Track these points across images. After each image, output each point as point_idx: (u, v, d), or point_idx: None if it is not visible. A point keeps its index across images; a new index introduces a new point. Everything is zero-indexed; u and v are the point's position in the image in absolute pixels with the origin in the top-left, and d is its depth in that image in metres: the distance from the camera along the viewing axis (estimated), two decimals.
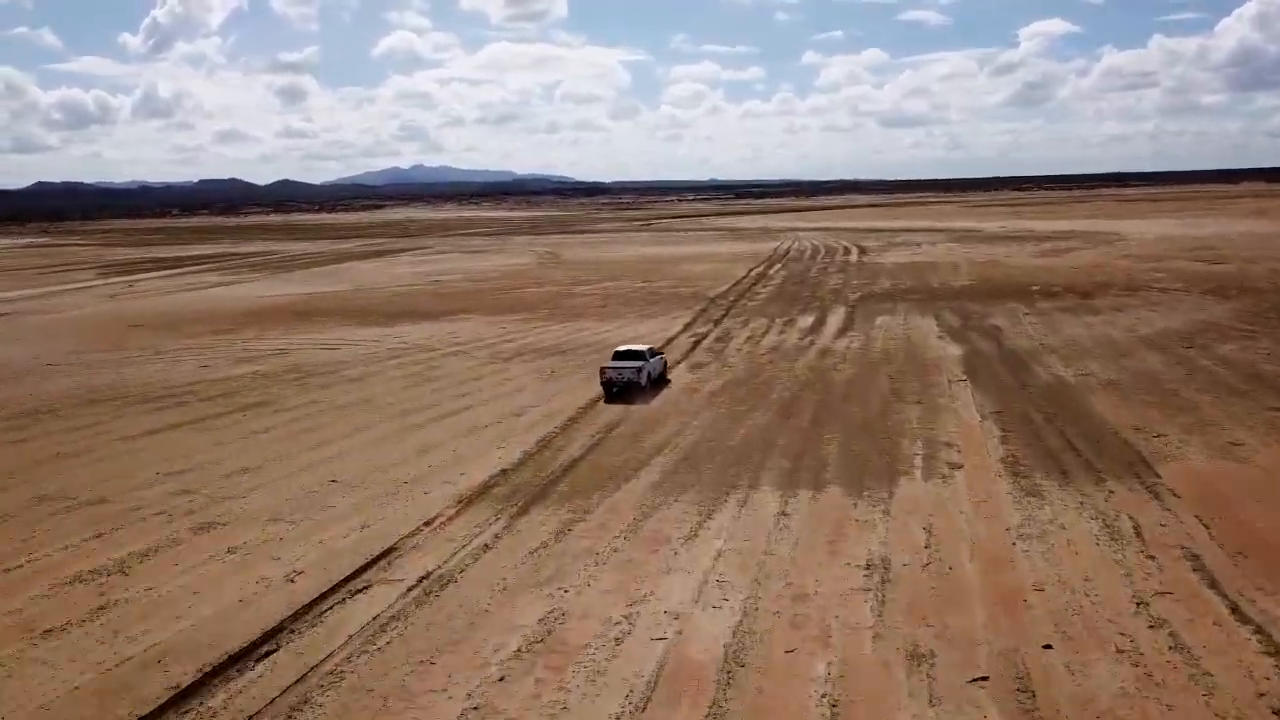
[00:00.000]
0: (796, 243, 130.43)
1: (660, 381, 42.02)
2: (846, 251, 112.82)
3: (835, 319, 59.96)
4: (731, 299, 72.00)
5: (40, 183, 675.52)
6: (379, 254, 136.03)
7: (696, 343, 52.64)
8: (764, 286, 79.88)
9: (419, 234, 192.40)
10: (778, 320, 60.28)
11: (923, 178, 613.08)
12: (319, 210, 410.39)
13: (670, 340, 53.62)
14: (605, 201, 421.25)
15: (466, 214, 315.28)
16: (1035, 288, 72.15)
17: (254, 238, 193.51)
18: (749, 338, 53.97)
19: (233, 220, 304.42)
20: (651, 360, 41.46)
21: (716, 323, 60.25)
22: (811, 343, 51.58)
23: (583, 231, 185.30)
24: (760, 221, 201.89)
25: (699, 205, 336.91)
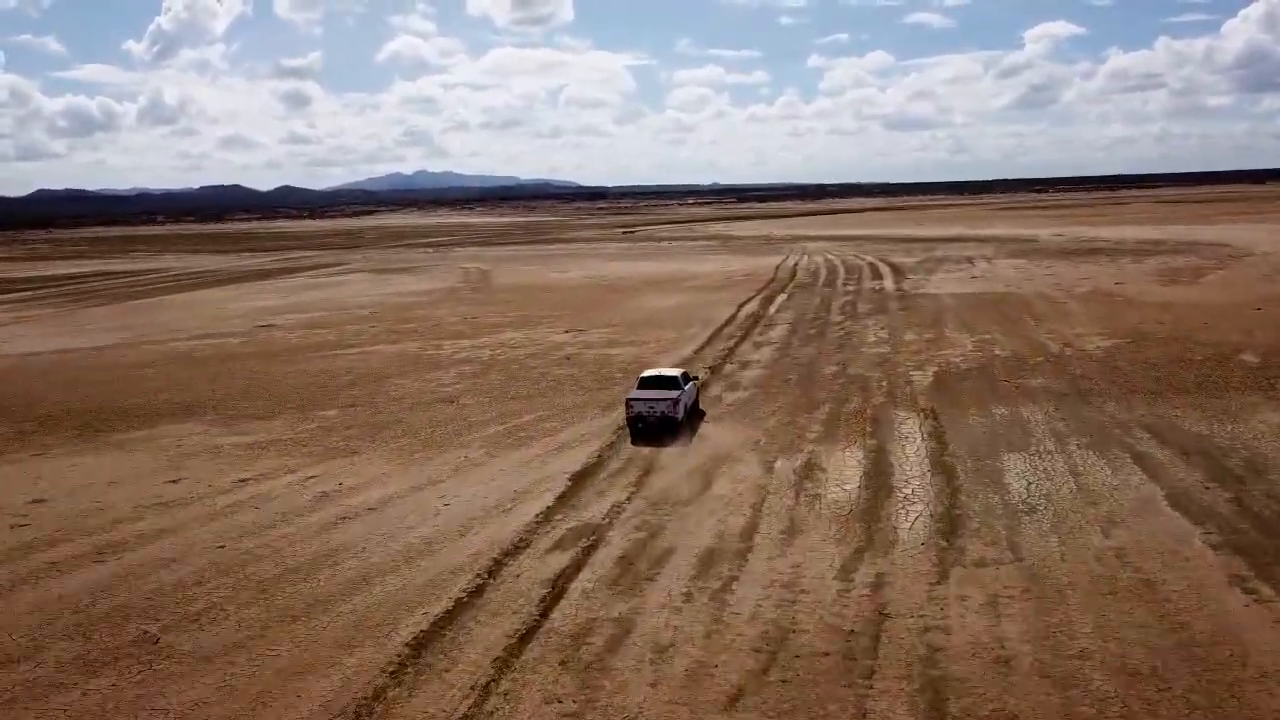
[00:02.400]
0: (805, 258, 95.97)
1: (694, 414, 30.59)
2: (875, 272, 78.30)
3: (909, 465, 25.35)
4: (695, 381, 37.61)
5: (41, 190, 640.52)
6: (274, 273, 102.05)
7: (557, 590, 18.26)
8: (757, 346, 45.50)
9: (366, 245, 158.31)
10: (780, 462, 25.86)
11: (927, 181, 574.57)
12: (306, 217, 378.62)
13: (500, 561, 19.52)
14: (603, 206, 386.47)
15: (449, 220, 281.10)
16: (1248, 356, 37.73)
17: (179, 249, 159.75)
18: (702, 561, 19.50)
19: (193, 228, 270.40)
20: (686, 388, 30.40)
21: (642, 476, 25.80)
22: (880, 616, 16.89)
23: (552, 241, 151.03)
24: (762, 228, 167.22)
25: (697, 210, 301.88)
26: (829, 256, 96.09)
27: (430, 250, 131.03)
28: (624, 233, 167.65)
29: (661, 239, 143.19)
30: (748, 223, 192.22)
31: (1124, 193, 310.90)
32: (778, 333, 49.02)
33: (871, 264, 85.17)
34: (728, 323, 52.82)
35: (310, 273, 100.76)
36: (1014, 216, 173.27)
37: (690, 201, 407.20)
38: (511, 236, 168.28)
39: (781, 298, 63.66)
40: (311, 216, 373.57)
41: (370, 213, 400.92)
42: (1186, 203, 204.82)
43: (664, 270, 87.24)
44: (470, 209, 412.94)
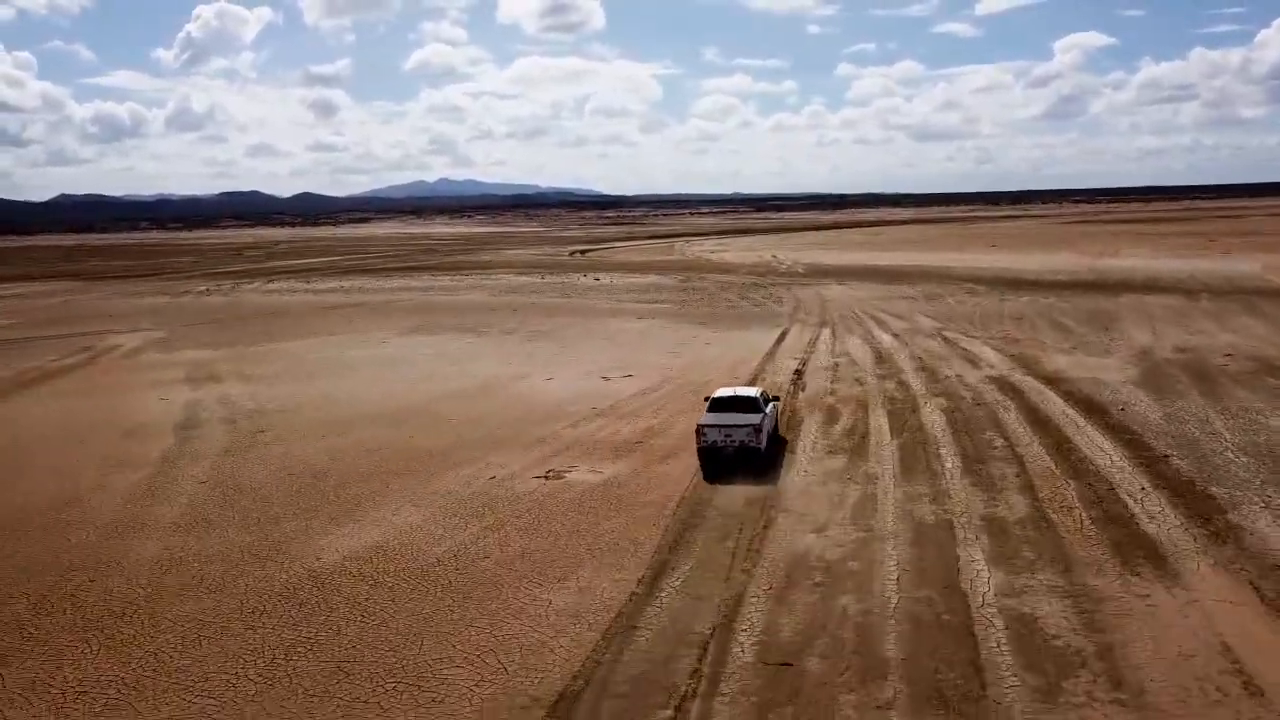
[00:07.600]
0: (824, 342, 37.88)
1: (775, 441, 22.51)
2: (1117, 507, 20.16)
3: None
4: None
5: (63, 195, 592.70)
6: None
7: None
8: None
9: (201, 269, 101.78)
10: None
11: (953, 191, 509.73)
12: (299, 224, 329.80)
13: None
14: (609, 215, 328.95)
15: (413, 229, 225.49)
16: None
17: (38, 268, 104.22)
18: None
19: (133, 237, 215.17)
20: (767, 410, 22.54)
21: None
22: None
23: (460, 267, 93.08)
24: (769, 248, 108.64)
25: (703, 221, 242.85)
26: (881, 340, 37.84)
27: (215, 286, 73.86)
28: (572, 254, 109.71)
29: (602, 270, 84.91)
30: (749, 239, 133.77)
31: (1190, 205, 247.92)
32: None
33: (1016, 387, 26.67)
34: None
35: None
36: (1118, 236, 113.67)
37: (705, 211, 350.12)
38: (418, 259, 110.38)
39: None
40: (305, 224, 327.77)
41: (366, 220, 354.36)
42: None
43: (434, 408, 29.34)
44: (470, 218, 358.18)
